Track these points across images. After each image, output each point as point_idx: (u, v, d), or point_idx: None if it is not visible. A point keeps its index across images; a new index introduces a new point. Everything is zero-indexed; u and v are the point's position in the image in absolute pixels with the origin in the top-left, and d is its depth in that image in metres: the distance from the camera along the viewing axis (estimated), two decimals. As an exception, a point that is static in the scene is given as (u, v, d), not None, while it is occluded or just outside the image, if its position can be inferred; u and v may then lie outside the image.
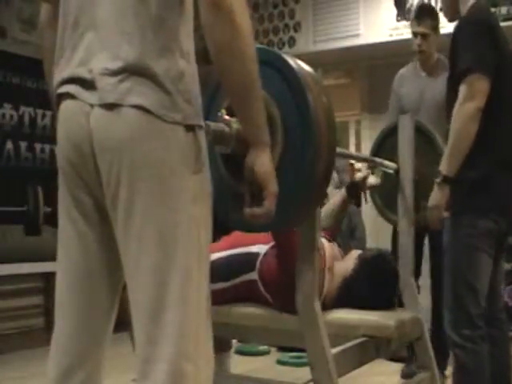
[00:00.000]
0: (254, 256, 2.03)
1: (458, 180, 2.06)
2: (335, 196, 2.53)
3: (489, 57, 2.02)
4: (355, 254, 2.20)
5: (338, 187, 5.41)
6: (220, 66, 1.15)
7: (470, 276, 2.06)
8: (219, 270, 2.02)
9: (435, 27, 3.35)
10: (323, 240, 2.13)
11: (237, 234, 2.15)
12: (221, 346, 2.62)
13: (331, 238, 2.38)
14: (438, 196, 2.12)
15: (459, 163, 2.04)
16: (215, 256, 2.07)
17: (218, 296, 1.99)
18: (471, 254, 2.07)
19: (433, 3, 4.69)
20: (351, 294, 2.07)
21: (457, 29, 2.10)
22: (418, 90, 3.43)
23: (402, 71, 3.60)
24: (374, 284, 2.09)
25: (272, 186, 1.22)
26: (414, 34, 3.37)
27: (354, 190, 2.46)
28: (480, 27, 2.06)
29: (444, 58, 3.40)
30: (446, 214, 2.15)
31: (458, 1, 2.17)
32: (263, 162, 1.21)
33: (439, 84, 3.24)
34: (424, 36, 3.32)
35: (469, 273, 2.07)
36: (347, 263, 2.14)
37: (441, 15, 2.99)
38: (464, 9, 2.14)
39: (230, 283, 2.05)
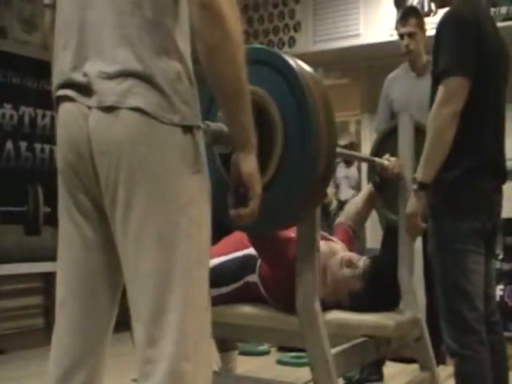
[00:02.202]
0: (254, 258, 2.02)
1: (438, 179, 1.98)
2: (362, 191, 2.49)
3: (469, 57, 1.93)
4: (340, 254, 2.13)
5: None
6: (209, 69, 1.15)
7: (461, 280, 1.97)
8: (221, 275, 2.02)
9: (420, 25, 3.33)
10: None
11: (236, 236, 2.14)
12: (226, 346, 2.62)
13: (353, 235, 2.37)
14: (414, 203, 2.05)
15: (435, 169, 1.96)
16: (217, 261, 2.06)
17: (222, 300, 1.99)
18: (458, 258, 1.98)
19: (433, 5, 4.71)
20: (349, 299, 2.06)
21: (440, 23, 1.99)
22: (406, 90, 3.39)
23: (391, 75, 3.56)
24: (372, 290, 2.05)
25: (257, 187, 1.23)
26: (401, 35, 3.35)
27: (382, 186, 2.42)
28: (462, 24, 1.95)
29: None
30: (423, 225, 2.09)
31: None
32: (250, 164, 1.22)
33: (426, 84, 3.22)
34: (410, 35, 3.30)
35: (459, 277, 1.98)
36: (336, 266, 2.08)
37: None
38: None
39: (232, 287, 2.04)
